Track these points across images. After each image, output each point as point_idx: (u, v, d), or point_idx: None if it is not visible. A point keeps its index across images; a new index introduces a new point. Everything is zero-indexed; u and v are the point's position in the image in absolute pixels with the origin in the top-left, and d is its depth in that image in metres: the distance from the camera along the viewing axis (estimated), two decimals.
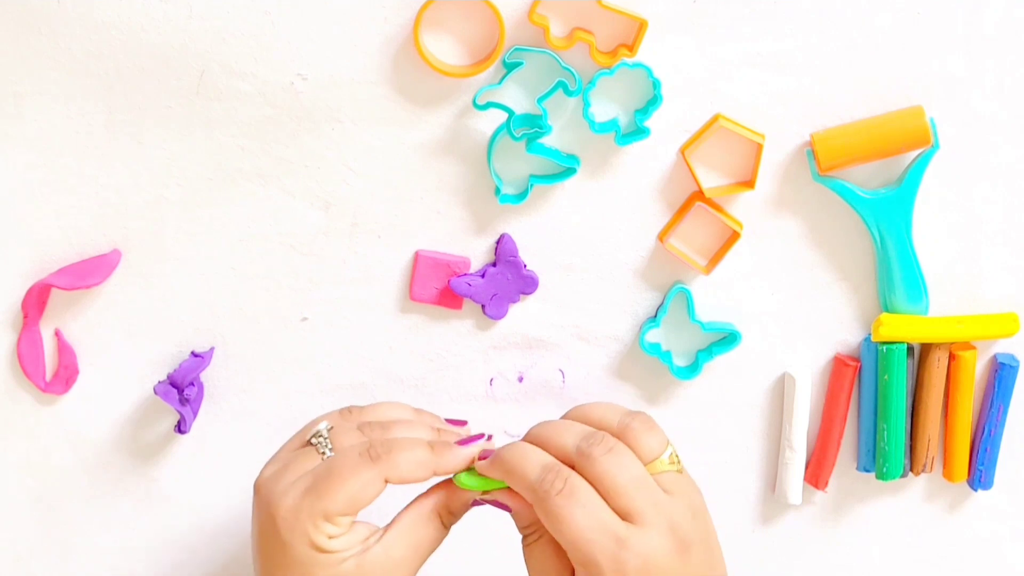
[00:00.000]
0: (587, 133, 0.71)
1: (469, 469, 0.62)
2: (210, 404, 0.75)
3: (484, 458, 0.62)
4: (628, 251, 0.73)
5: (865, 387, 0.75)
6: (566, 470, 0.59)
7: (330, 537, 0.59)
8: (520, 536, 0.62)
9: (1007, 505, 0.78)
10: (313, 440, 0.62)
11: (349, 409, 0.65)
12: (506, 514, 0.62)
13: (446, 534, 0.62)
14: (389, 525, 0.61)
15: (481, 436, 0.62)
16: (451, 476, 0.62)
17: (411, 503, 0.62)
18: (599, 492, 0.59)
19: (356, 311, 0.74)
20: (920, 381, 0.75)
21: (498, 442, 0.63)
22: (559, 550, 0.60)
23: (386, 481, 0.60)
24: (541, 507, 0.58)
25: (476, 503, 0.62)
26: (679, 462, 0.62)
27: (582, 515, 0.58)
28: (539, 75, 0.70)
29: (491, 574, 0.78)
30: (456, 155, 0.71)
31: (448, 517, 0.62)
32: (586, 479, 0.59)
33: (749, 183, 0.71)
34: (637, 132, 0.70)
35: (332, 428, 0.63)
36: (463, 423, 0.65)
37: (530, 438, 0.62)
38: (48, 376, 0.74)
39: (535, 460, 0.60)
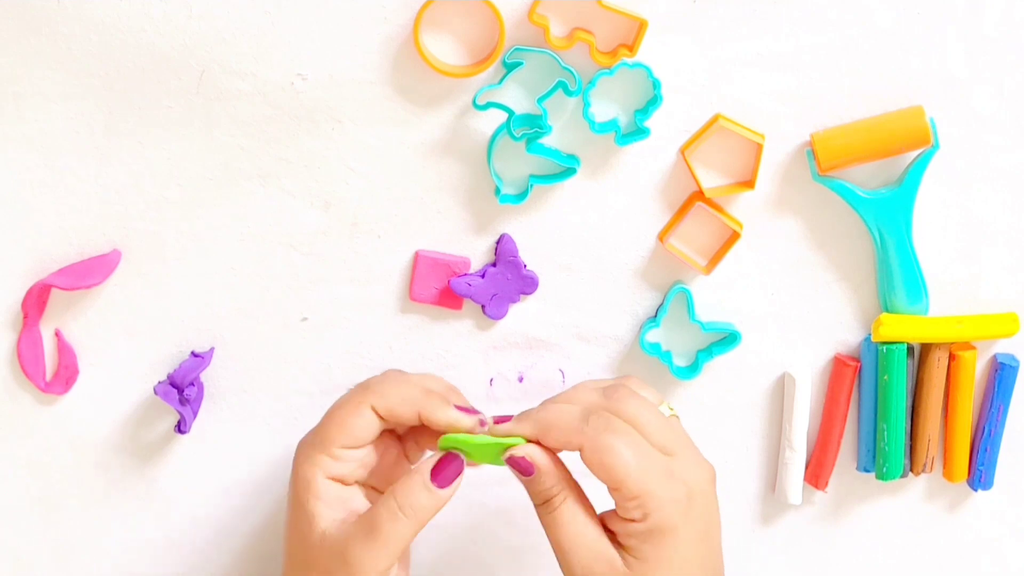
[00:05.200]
0: (587, 133, 0.71)
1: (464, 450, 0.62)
2: (210, 404, 0.75)
3: (500, 422, 0.62)
4: (628, 251, 0.73)
5: (865, 387, 0.75)
6: (605, 412, 0.61)
7: (328, 477, 0.61)
8: (539, 508, 0.61)
9: (1007, 505, 0.78)
10: None
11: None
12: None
13: (411, 527, 0.60)
14: None
15: (477, 412, 0.62)
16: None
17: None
18: None
19: (356, 311, 0.74)
20: (920, 381, 0.75)
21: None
22: (586, 506, 0.61)
23: (373, 410, 0.61)
24: (592, 445, 0.59)
25: (437, 476, 0.61)
26: (675, 409, 0.65)
27: (632, 451, 0.59)
28: (539, 75, 0.70)
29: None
30: (456, 155, 0.71)
31: (406, 500, 0.60)
32: None
33: (749, 183, 0.71)
34: (637, 132, 0.70)
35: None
36: (476, 412, 0.64)
37: (552, 401, 0.63)
38: (48, 376, 0.74)
39: (571, 408, 0.61)
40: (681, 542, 0.60)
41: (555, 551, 0.61)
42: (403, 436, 0.66)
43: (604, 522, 0.61)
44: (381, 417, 0.62)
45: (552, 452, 0.61)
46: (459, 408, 0.62)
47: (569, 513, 0.61)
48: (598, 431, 0.59)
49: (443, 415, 0.61)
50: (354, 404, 0.62)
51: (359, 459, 0.62)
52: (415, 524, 0.60)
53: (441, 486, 0.60)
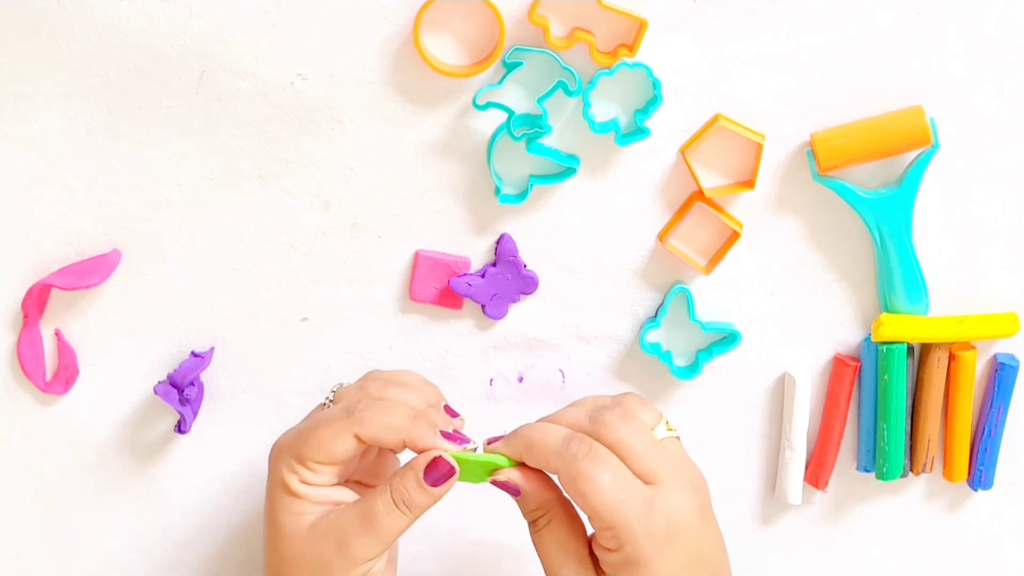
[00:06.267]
0: (587, 133, 0.71)
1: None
2: (210, 404, 0.75)
3: (492, 442, 0.62)
4: (628, 251, 0.73)
5: (865, 387, 0.75)
6: (588, 437, 0.60)
7: (302, 482, 0.61)
8: (528, 525, 0.62)
9: (1007, 505, 0.78)
10: (325, 400, 0.65)
11: (368, 373, 0.66)
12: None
13: (407, 519, 0.61)
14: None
15: (467, 440, 0.62)
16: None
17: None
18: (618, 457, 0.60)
19: (356, 311, 0.74)
20: (920, 381, 0.75)
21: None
22: (572, 530, 0.61)
23: (357, 437, 0.60)
24: (568, 472, 0.59)
25: (429, 475, 0.61)
26: (676, 429, 0.64)
27: (609, 478, 0.58)
28: (539, 75, 0.70)
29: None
30: (456, 155, 0.71)
31: (402, 493, 0.60)
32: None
33: (749, 183, 0.71)
34: (637, 132, 0.70)
35: (341, 388, 0.65)
36: (457, 415, 0.64)
37: (542, 421, 0.63)
38: (48, 376, 0.74)
39: (556, 431, 0.61)
40: (659, 574, 0.59)
41: (543, 568, 0.62)
42: None
43: (591, 545, 0.61)
44: (363, 442, 0.61)
45: (540, 474, 0.61)
46: (445, 436, 0.61)
47: (552, 535, 0.61)
48: (576, 457, 0.59)
49: (428, 443, 0.60)
50: (337, 428, 0.61)
51: (334, 471, 0.62)
52: (410, 518, 0.61)
53: (434, 485, 0.60)
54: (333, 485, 0.62)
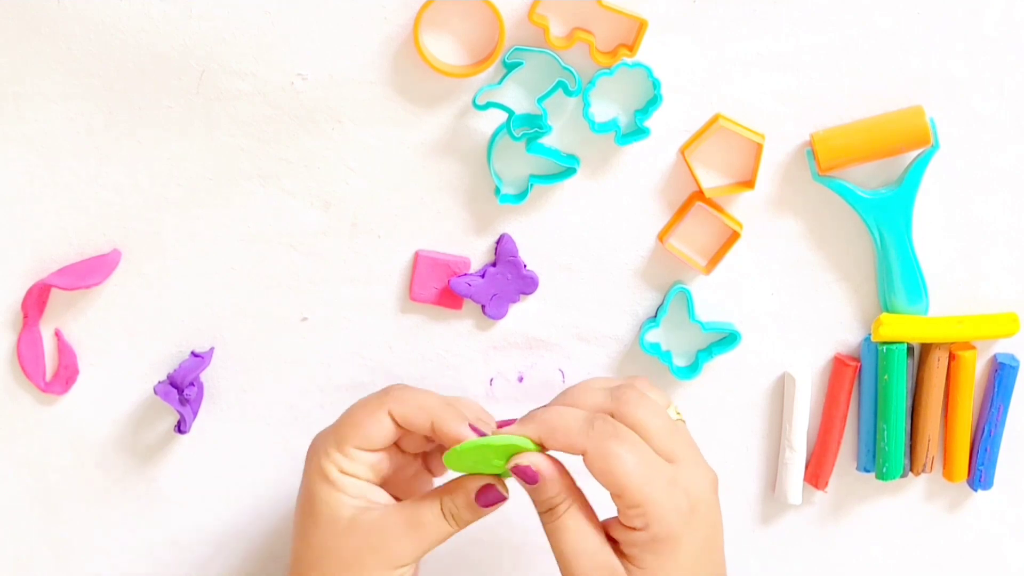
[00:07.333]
0: (587, 133, 0.71)
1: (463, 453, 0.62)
2: (210, 404, 0.75)
3: (502, 426, 0.62)
4: (628, 251, 0.73)
5: (865, 387, 0.75)
6: (610, 418, 0.60)
7: (340, 471, 0.62)
8: (543, 515, 0.62)
9: (1007, 505, 0.78)
10: None
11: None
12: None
13: (452, 531, 0.62)
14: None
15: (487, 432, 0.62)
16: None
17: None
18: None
19: (356, 311, 0.74)
20: (920, 381, 0.75)
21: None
22: (591, 514, 0.61)
23: (390, 414, 0.62)
24: (595, 452, 0.59)
25: (481, 497, 0.62)
26: (682, 414, 0.65)
27: (636, 458, 0.59)
28: (539, 75, 0.70)
29: None
30: (456, 155, 0.71)
31: (452, 508, 0.62)
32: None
33: (749, 183, 0.71)
34: (637, 132, 0.70)
35: None
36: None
37: (556, 403, 0.63)
38: (48, 376, 0.74)
39: (576, 412, 0.61)
40: (683, 551, 0.59)
41: (557, 560, 0.61)
42: (427, 453, 0.67)
43: (607, 530, 0.61)
44: (397, 424, 0.62)
45: (556, 460, 0.61)
46: (473, 428, 0.62)
47: (572, 522, 0.61)
48: (602, 436, 0.59)
49: (454, 428, 0.61)
50: (372, 407, 0.62)
51: (371, 463, 0.62)
52: (455, 530, 0.62)
53: (483, 505, 0.62)
54: (369, 481, 0.63)
